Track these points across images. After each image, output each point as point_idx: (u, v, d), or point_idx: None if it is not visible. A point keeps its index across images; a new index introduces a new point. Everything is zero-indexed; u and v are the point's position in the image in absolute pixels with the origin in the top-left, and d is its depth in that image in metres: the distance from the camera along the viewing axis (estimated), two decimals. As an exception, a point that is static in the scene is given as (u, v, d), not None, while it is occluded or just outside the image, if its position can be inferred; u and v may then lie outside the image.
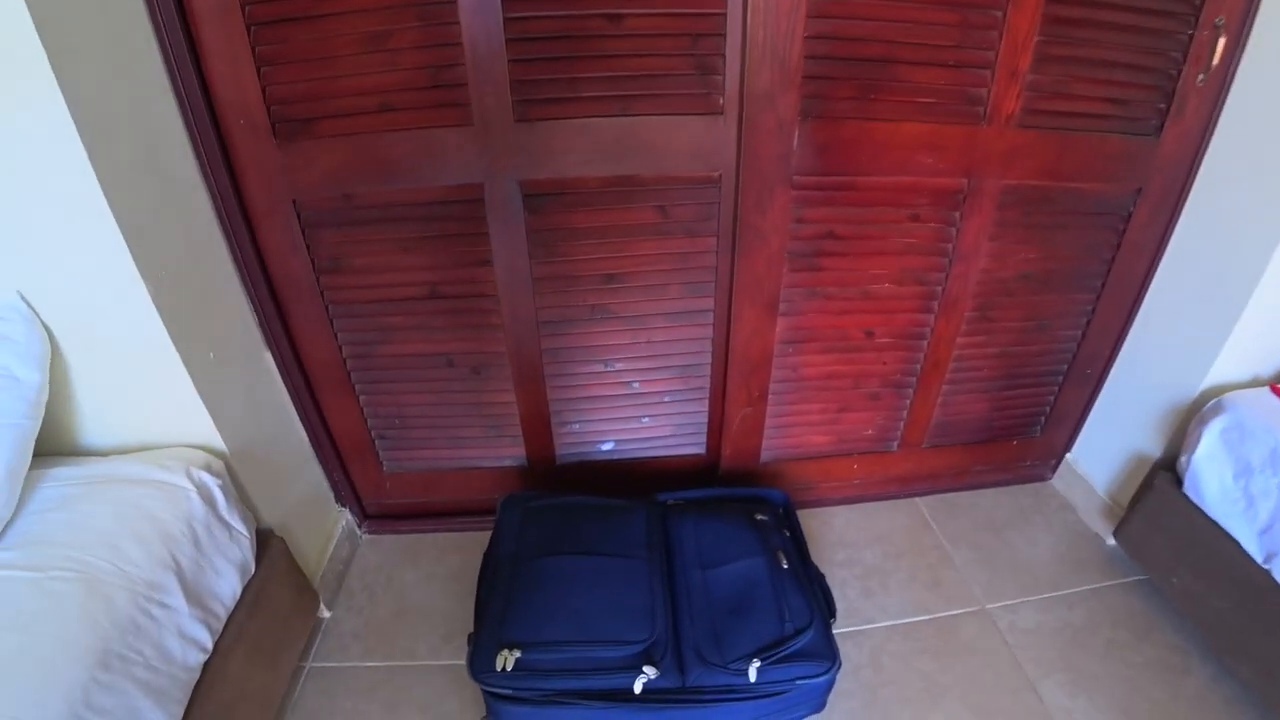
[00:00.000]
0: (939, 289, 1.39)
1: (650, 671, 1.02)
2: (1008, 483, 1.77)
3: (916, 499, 1.73)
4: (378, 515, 1.62)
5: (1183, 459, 1.33)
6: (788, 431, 1.56)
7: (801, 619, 1.11)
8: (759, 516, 1.34)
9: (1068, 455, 1.74)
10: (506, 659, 1.01)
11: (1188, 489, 1.30)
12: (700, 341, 1.40)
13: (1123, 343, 1.54)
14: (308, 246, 1.24)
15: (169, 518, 0.99)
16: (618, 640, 1.04)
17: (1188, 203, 1.35)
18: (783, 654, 1.05)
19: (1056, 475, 1.78)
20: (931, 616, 1.42)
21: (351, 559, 1.55)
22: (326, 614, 1.43)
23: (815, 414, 1.54)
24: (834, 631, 1.16)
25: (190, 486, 1.04)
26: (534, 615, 1.07)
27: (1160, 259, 1.42)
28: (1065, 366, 1.59)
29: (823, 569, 1.34)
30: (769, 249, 1.28)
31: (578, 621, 1.06)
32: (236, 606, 1.09)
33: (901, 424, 1.59)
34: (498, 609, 1.09)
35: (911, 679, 1.30)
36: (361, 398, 1.42)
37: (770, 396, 1.48)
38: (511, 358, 1.37)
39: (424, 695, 1.27)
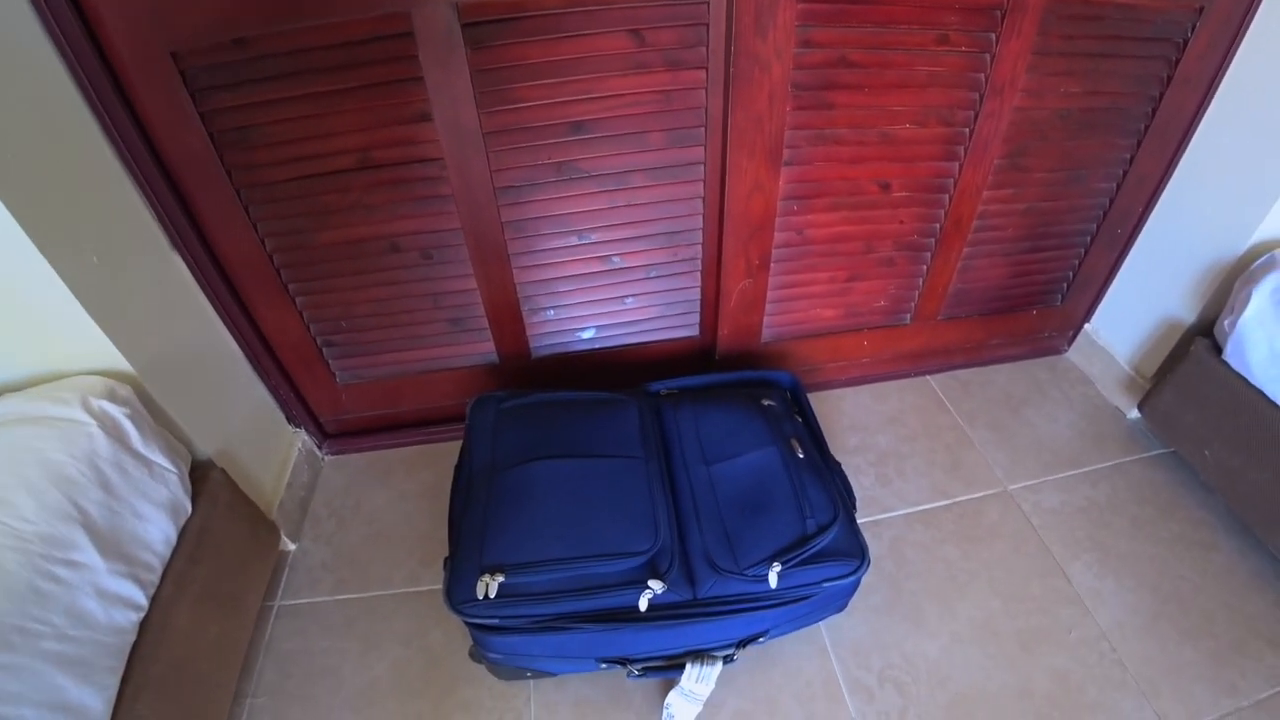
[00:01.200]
0: (967, 131, 1.18)
1: (656, 586, 0.89)
2: (1022, 357, 1.65)
3: (928, 377, 1.59)
4: (339, 434, 1.45)
5: (1224, 323, 1.20)
6: (792, 306, 1.38)
7: (824, 514, 0.98)
8: (766, 402, 1.19)
9: (1086, 326, 1.61)
10: (489, 585, 0.87)
11: (1229, 355, 1.19)
12: (689, 203, 1.19)
13: (1159, 196, 1.37)
14: (201, 116, 0.98)
15: (66, 459, 0.81)
16: (616, 553, 0.90)
17: (1251, 26, 1.14)
18: (807, 554, 0.92)
19: (1073, 348, 1.65)
20: (952, 501, 1.32)
21: (315, 484, 1.40)
22: (291, 546, 1.28)
23: (822, 284, 1.36)
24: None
25: (89, 420, 0.85)
26: (516, 532, 0.92)
27: (1211, 97, 1.23)
28: (1095, 225, 1.42)
29: (835, 456, 1.21)
30: (771, 81, 1.05)
31: (568, 535, 0.92)
32: (174, 553, 0.94)
33: (916, 293, 1.42)
34: (474, 528, 0.94)
35: (935, 568, 1.21)
36: (298, 299, 1.21)
37: (772, 265, 1.29)
38: (468, 235, 1.15)
39: (405, 627, 1.15)
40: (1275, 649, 1.10)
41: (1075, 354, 1.65)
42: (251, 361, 1.24)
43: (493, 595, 0.87)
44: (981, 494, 1.33)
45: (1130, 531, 1.27)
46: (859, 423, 1.48)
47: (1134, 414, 1.47)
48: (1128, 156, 1.31)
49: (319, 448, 1.43)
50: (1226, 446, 1.22)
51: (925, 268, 1.38)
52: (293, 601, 1.21)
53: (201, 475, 1.05)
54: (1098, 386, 1.58)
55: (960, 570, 1.20)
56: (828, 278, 1.36)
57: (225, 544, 1.05)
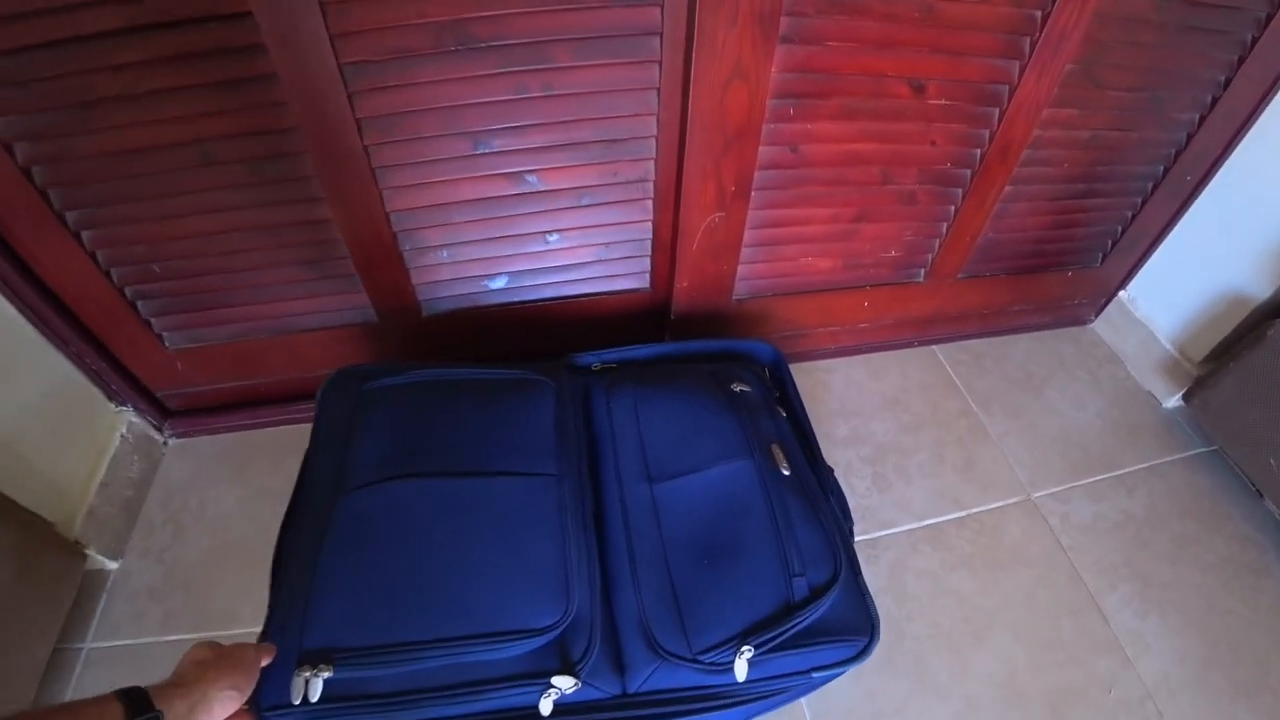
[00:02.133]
0: (1038, 16, 0.84)
1: (563, 683, 0.60)
2: (1042, 327, 1.37)
3: (934, 347, 1.30)
4: (184, 410, 1.12)
5: None
6: (777, 252, 1.06)
7: (819, 569, 0.69)
8: (737, 388, 0.89)
9: (1121, 294, 1.32)
10: (308, 681, 0.58)
11: None
12: (638, 95, 0.83)
13: (1243, 135, 1.06)
14: None
15: None
16: (505, 631, 0.61)
17: None
18: (791, 631, 0.64)
19: (1101, 318, 1.38)
20: (966, 513, 1.05)
21: (150, 478, 1.07)
22: (112, 565, 0.97)
23: (821, 223, 1.03)
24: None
25: None
26: (355, 594, 0.62)
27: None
28: (1163, 168, 1.11)
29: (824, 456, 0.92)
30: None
31: (433, 600, 0.61)
32: None
33: (938, 243, 1.11)
34: (296, 585, 0.64)
35: (945, 606, 0.95)
36: (83, 234, 0.85)
37: (753, 194, 0.95)
38: (308, 138, 0.79)
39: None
40: (1344, 705, 0.89)
41: (1104, 326, 1.37)
42: (36, 324, 0.89)
43: (313, 698, 0.57)
44: (1001, 503, 1.07)
45: (1173, 554, 1.03)
46: (851, 405, 1.19)
47: (1172, 403, 1.22)
48: (1222, 79, 0.99)
49: (158, 429, 1.10)
50: (1304, 454, 0.97)
51: (954, 209, 1.06)
52: (108, 644, 0.90)
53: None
54: (1129, 367, 1.31)
55: (976, 609, 0.94)
56: (829, 215, 1.03)
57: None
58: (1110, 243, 1.22)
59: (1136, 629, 0.94)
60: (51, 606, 0.86)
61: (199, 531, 1.01)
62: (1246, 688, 0.90)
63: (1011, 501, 1.07)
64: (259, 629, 0.88)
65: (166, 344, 1.00)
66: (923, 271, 1.15)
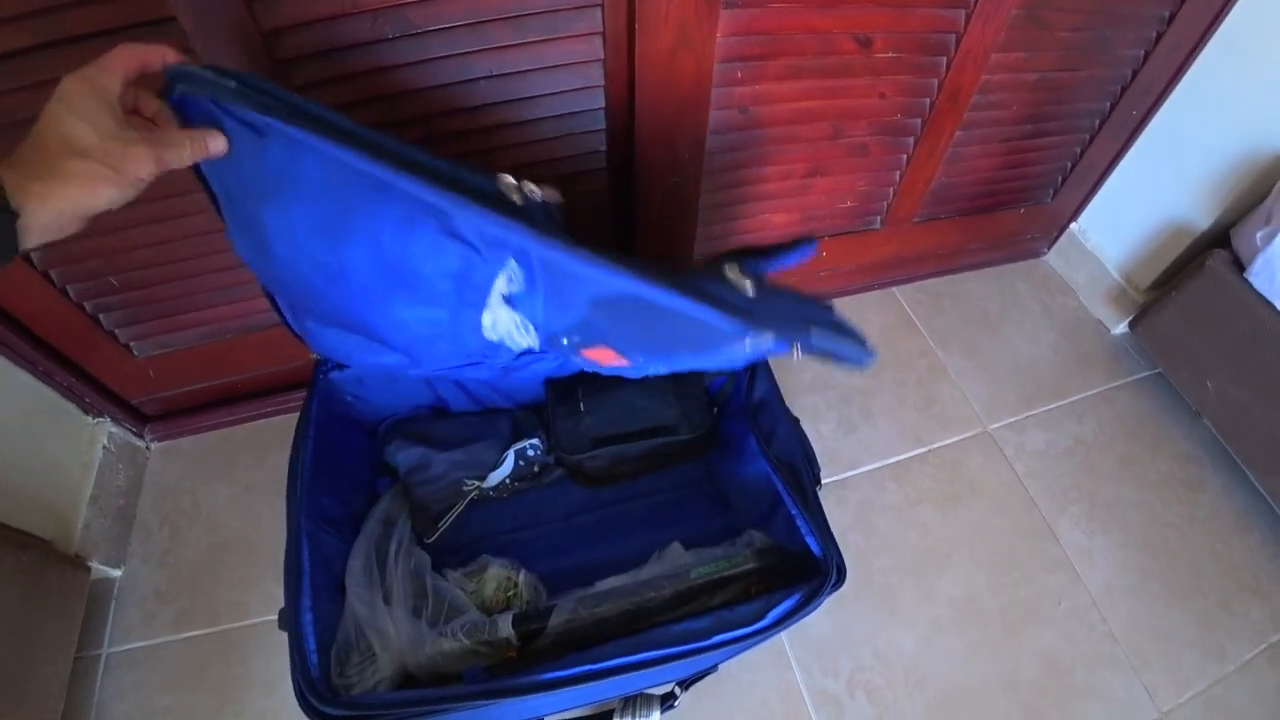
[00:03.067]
0: (983, -35, 0.84)
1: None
2: (998, 261, 1.41)
3: (893, 289, 1.34)
4: (162, 414, 1.12)
5: (1252, 236, 0.99)
6: (733, 211, 1.07)
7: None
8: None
9: (1073, 226, 1.37)
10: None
11: (1255, 274, 1.00)
12: (583, 69, 0.83)
13: (1186, 70, 1.08)
14: None
15: None
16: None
17: None
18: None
19: (1054, 250, 1.42)
20: (928, 449, 1.12)
21: (139, 484, 1.08)
22: (116, 573, 1.00)
23: (774, 181, 1.04)
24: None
25: None
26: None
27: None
28: (1110, 105, 1.13)
29: (787, 400, 0.96)
30: None
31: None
32: None
33: (892, 191, 1.13)
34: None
35: (910, 539, 1.03)
36: (33, 254, 0.83)
37: (707, 157, 0.96)
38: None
39: (267, 669, 0.91)
40: (1261, 600, 1.02)
41: (1056, 258, 1.42)
42: (-8, 345, 0.87)
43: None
44: (959, 437, 1.14)
45: (1118, 474, 1.12)
46: (818, 353, 1.23)
47: (1119, 329, 1.29)
48: (1167, 14, 1.00)
49: (139, 435, 1.10)
50: (1235, 378, 1.05)
51: (906, 157, 1.07)
52: (125, 647, 0.94)
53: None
54: (1080, 296, 1.37)
55: (939, 539, 1.03)
56: (781, 172, 1.04)
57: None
58: (1060, 178, 1.25)
59: (1084, 546, 1.04)
60: (65, 620, 0.90)
61: (196, 531, 1.04)
62: (1181, 592, 1.01)
63: (969, 435, 1.14)
64: (271, 618, 0.94)
65: (135, 353, 1.00)
66: (879, 219, 1.18)
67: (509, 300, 0.67)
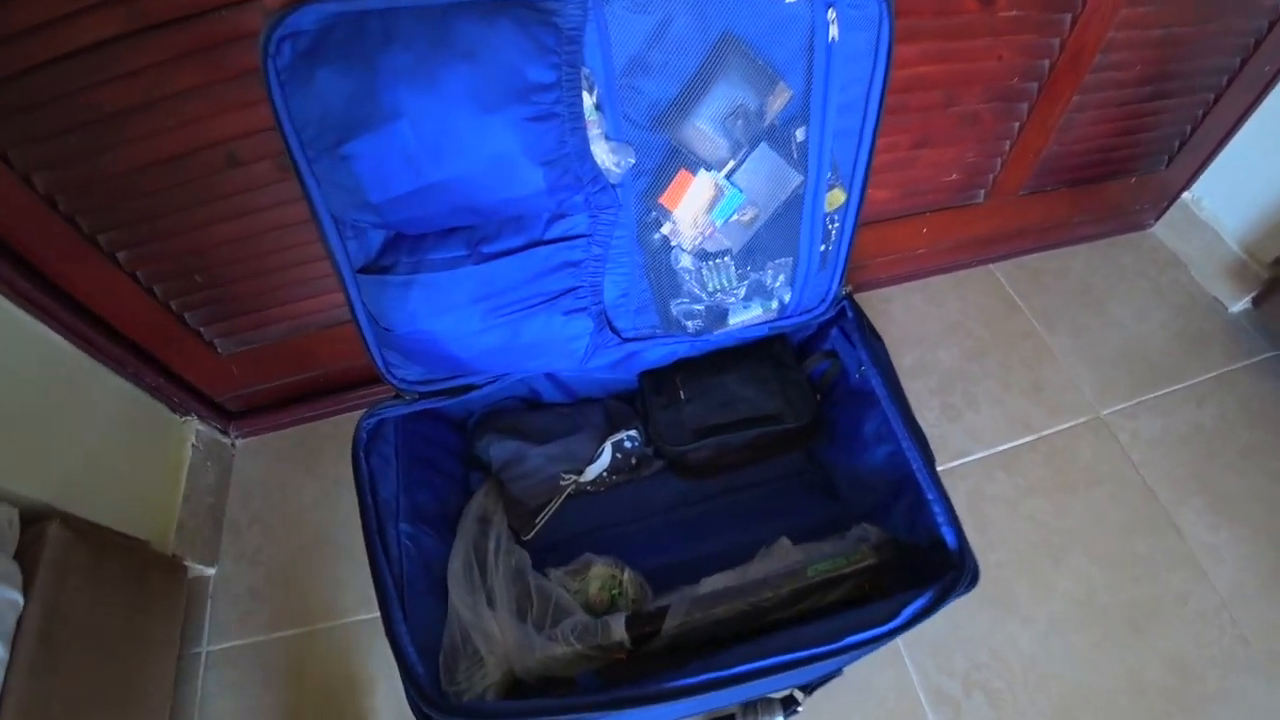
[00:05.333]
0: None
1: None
2: (1100, 235, 1.31)
3: (991, 266, 1.27)
4: (245, 411, 1.11)
5: None
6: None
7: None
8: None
9: (1186, 194, 1.26)
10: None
11: None
12: None
13: None
14: None
15: None
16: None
17: None
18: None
19: (1161, 222, 1.32)
20: (1038, 436, 1.06)
21: (226, 483, 1.08)
22: (210, 571, 1.00)
23: (879, 154, 0.97)
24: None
25: None
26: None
27: None
28: (1240, 60, 1.03)
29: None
30: None
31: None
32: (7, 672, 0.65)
33: (1000, 162, 1.05)
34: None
35: (1023, 531, 0.97)
36: (119, 254, 0.81)
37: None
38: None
39: (366, 666, 0.91)
40: None
41: (1164, 230, 1.32)
42: (84, 348, 0.86)
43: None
44: (1070, 423, 1.07)
45: (1241, 465, 1.04)
46: (914, 334, 1.17)
47: (1238, 306, 1.20)
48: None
49: (224, 432, 1.10)
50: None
51: (1018, 125, 0.99)
52: (223, 645, 0.95)
53: (36, 536, 0.73)
54: (1192, 271, 1.27)
55: (1054, 531, 0.97)
56: (887, 144, 0.96)
57: (98, 622, 0.77)
58: (1178, 143, 1.15)
59: (1210, 542, 0.97)
60: (169, 620, 0.90)
61: (286, 529, 1.03)
62: (1315, 588, 0.94)
63: (1081, 421, 1.07)
64: (364, 617, 0.93)
65: (219, 350, 0.98)
66: (983, 192, 1.10)
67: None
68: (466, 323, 0.68)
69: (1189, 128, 1.12)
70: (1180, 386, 1.11)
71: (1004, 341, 1.16)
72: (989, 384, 1.11)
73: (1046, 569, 0.94)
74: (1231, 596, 0.93)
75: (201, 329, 0.95)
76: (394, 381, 0.77)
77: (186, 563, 0.96)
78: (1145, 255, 1.29)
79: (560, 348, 0.73)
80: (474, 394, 0.79)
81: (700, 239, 0.70)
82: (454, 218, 0.64)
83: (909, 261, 1.19)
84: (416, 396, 0.77)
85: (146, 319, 0.90)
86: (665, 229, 0.69)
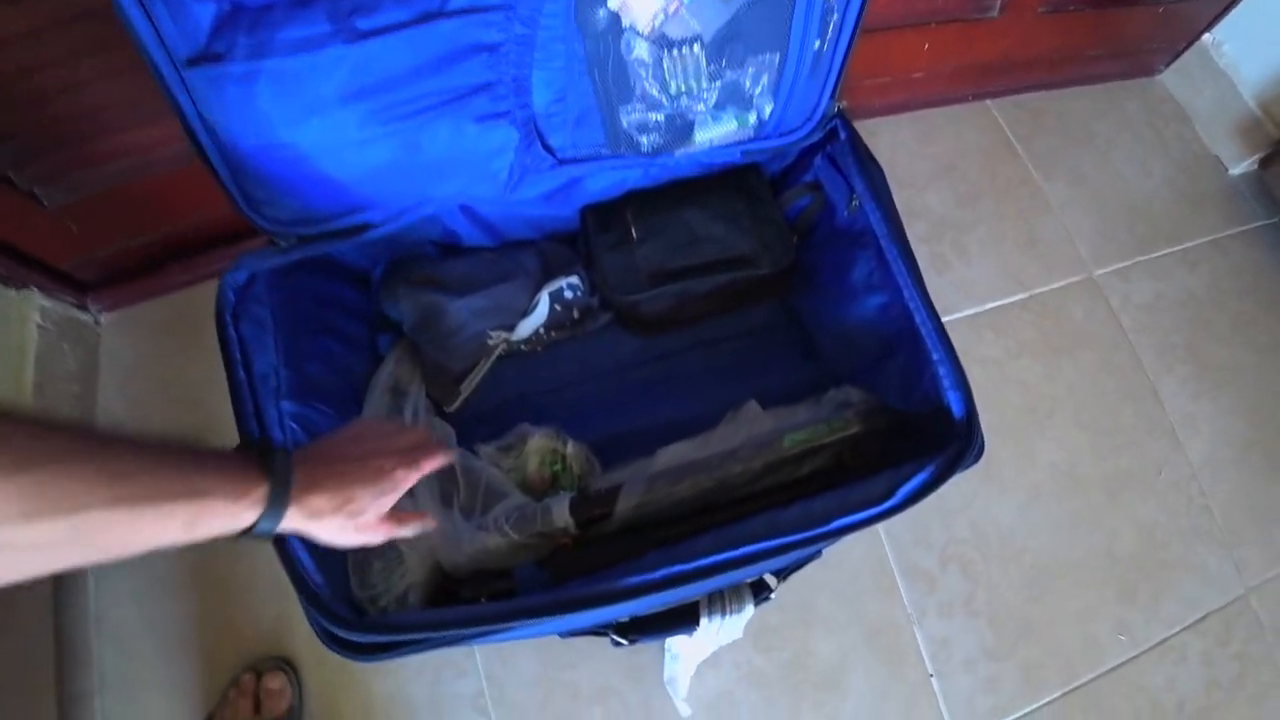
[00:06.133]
0: None
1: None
2: (1106, 77, 1.16)
3: (989, 103, 1.11)
4: (103, 281, 0.90)
5: None
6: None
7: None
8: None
9: (1206, 36, 1.10)
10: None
11: None
12: None
13: None
14: None
15: None
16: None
17: None
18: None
19: (1171, 68, 1.17)
20: (1029, 294, 0.97)
21: (95, 364, 0.89)
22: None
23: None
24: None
25: None
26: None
27: None
28: None
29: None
30: None
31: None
32: None
33: (1021, -32, 0.87)
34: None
35: (1011, 395, 0.90)
36: None
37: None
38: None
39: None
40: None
41: (1174, 78, 1.18)
42: None
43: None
44: (1063, 282, 0.98)
45: (1229, 335, 0.99)
46: (903, 174, 1.03)
47: (1239, 169, 1.10)
48: None
49: (80, 307, 0.90)
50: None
51: (1048, -86, 0.80)
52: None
53: None
54: (1197, 126, 1.15)
55: (1042, 396, 0.90)
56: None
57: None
58: (1213, -32, 0.98)
59: (1189, 412, 0.93)
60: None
61: (172, 412, 0.87)
62: (1281, 468, 0.92)
63: (1074, 280, 0.98)
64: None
65: (44, 202, 0.76)
66: (999, 5, 0.92)
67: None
68: (340, 130, 0.50)
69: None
70: (1175, 249, 1.04)
71: (1000, 188, 1.03)
72: (981, 233, 0.99)
73: (1032, 436, 0.88)
74: (1202, 467, 0.90)
75: (10, 173, 0.73)
76: (263, 224, 0.59)
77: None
78: (1152, 104, 1.17)
79: (476, 168, 0.56)
80: (370, 235, 0.61)
81: (661, 18, 0.51)
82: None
83: (902, 87, 1.02)
84: (294, 242, 0.60)
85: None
86: (613, 3, 0.51)
